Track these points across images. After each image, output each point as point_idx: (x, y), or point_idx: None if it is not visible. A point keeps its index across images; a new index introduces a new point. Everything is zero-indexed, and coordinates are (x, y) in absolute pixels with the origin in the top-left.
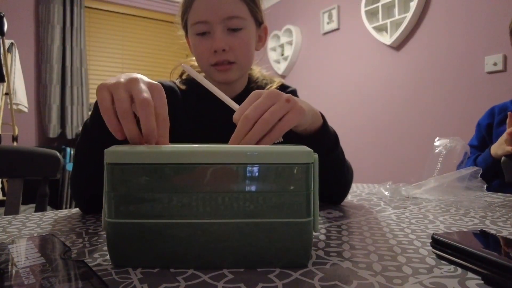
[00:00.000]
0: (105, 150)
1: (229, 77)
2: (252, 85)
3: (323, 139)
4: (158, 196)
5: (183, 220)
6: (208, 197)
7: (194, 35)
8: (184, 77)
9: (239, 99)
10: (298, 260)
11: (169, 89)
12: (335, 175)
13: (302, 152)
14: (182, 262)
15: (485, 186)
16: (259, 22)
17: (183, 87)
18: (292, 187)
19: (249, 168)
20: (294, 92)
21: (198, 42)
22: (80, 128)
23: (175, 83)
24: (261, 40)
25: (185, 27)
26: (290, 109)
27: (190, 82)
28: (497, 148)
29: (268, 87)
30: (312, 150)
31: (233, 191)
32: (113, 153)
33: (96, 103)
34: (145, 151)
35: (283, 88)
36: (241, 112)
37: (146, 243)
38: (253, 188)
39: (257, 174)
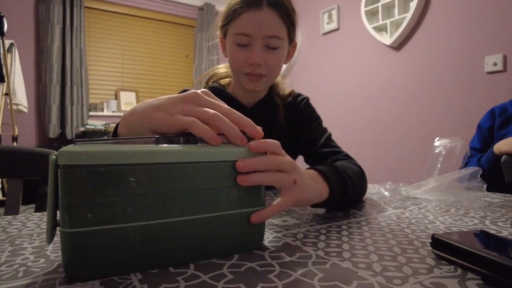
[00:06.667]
0: (59, 151)
1: (257, 87)
2: (273, 96)
3: (330, 204)
4: (114, 200)
5: (141, 222)
6: (168, 196)
7: (234, 43)
8: (210, 83)
9: (260, 104)
10: (254, 244)
11: None
12: (356, 202)
13: (248, 151)
14: (145, 265)
15: (485, 186)
16: (291, 40)
17: None
18: None
19: (205, 166)
20: (306, 100)
21: (237, 52)
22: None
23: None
24: (289, 54)
25: (223, 31)
26: (290, 187)
27: (216, 90)
28: (502, 144)
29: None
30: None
31: (191, 189)
32: (66, 154)
33: (116, 127)
34: (97, 150)
35: (296, 96)
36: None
37: (105, 251)
38: (210, 185)
39: (212, 171)
